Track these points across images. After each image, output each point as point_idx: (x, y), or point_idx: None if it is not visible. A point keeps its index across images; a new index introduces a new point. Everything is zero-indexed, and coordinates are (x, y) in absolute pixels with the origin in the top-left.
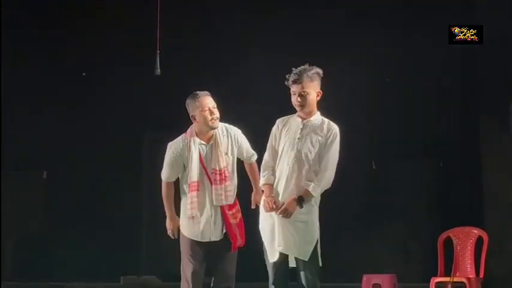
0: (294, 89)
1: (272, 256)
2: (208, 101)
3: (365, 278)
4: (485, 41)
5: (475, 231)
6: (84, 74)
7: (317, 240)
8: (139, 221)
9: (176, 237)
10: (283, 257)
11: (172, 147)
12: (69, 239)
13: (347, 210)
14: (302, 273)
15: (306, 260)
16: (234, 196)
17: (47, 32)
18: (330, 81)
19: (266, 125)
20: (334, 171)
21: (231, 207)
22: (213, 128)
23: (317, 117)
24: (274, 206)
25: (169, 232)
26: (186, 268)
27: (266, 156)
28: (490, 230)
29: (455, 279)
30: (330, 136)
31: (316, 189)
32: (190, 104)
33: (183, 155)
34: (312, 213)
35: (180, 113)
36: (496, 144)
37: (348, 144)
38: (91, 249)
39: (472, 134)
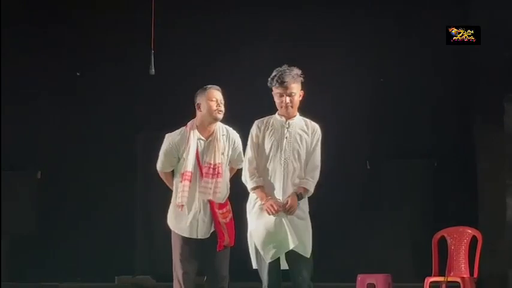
0: (281, 90)
1: (268, 256)
2: (217, 94)
3: (359, 277)
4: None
5: (469, 231)
6: (78, 73)
7: None
8: (133, 220)
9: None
10: (276, 259)
11: (170, 138)
12: (63, 239)
13: (341, 210)
14: (297, 272)
15: (308, 257)
16: (224, 196)
17: (41, 31)
18: (325, 81)
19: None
20: (319, 169)
21: (221, 206)
22: (215, 120)
23: (298, 116)
24: (278, 208)
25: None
26: (178, 268)
27: (250, 158)
28: (484, 230)
29: (450, 279)
30: (315, 134)
31: (312, 186)
32: (199, 93)
33: (179, 147)
34: (307, 211)
35: (174, 113)
36: (490, 144)
37: (342, 144)
38: (85, 249)
39: (467, 133)
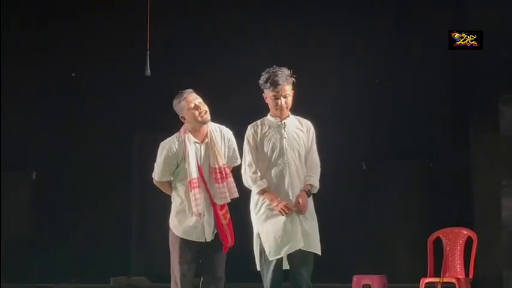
0: (275, 93)
1: (276, 254)
2: (192, 98)
3: (355, 278)
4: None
5: (465, 232)
6: (73, 74)
7: None
8: (129, 222)
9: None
10: (280, 260)
11: (166, 146)
12: (58, 240)
13: (337, 210)
14: (297, 272)
15: (319, 254)
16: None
17: (36, 33)
18: (322, 82)
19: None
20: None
21: (221, 207)
22: (204, 123)
23: (291, 116)
24: (291, 208)
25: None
26: (176, 270)
27: (249, 162)
28: (480, 231)
29: (445, 280)
30: (310, 131)
31: (316, 181)
32: (176, 106)
33: (178, 154)
34: (313, 208)
35: (170, 114)
36: (485, 145)
37: (338, 145)
38: (80, 250)
39: (462, 134)
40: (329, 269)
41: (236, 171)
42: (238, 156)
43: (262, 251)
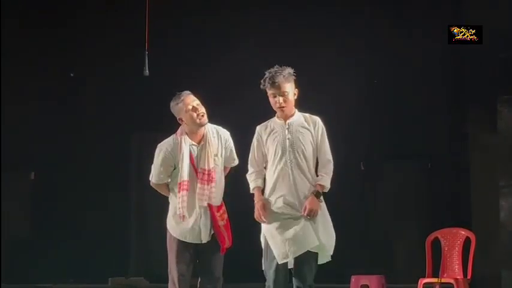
0: (273, 91)
1: (284, 258)
2: (190, 100)
3: (353, 278)
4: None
5: (463, 232)
6: (71, 74)
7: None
8: (127, 222)
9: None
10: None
11: (163, 148)
12: (56, 240)
13: (335, 210)
14: (300, 271)
15: (331, 254)
16: (221, 197)
17: (35, 32)
18: (321, 82)
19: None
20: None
21: (218, 208)
22: (202, 125)
23: (297, 114)
24: (262, 212)
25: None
26: (173, 271)
27: (250, 160)
28: (478, 231)
29: (443, 280)
30: (318, 128)
31: (327, 181)
32: (173, 108)
33: (175, 156)
34: (324, 208)
35: (168, 114)
36: (483, 146)
37: (337, 145)
38: (79, 251)
39: (460, 135)
40: (327, 269)
41: (233, 172)
42: (236, 157)
43: (265, 251)
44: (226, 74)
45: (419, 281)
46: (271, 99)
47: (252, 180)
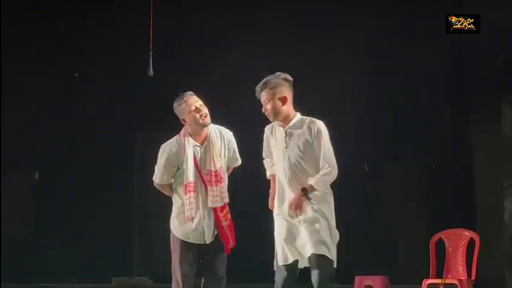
0: (260, 99)
1: (283, 260)
2: (193, 101)
3: (357, 279)
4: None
5: (467, 233)
6: (76, 74)
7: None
8: (131, 222)
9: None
10: (295, 260)
11: (167, 149)
12: (60, 240)
13: (339, 211)
14: (313, 274)
15: (328, 256)
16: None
17: (39, 32)
18: (324, 83)
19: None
20: (335, 162)
21: (222, 208)
22: (205, 126)
23: (296, 119)
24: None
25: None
26: (177, 271)
27: (267, 153)
28: (482, 232)
29: (447, 281)
30: (314, 133)
31: (318, 182)
32: (176, 109)
33: (178, 156)
34: (325, 210)
35: (171, 114)
36: (487, 146)
37: (341, 146)
38: (82, 250)
39: (464, 136)
40: None
41: (236, 172)
42: (239, 157)
43: (275, 252)
44: (229, 74)
45: (423, 282)
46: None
47: (269, 167)
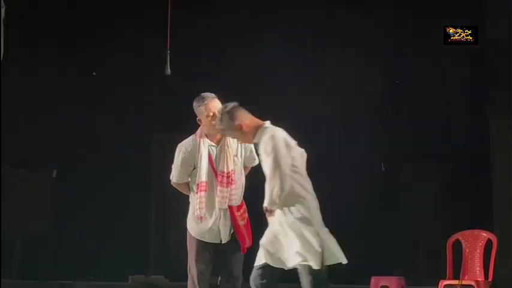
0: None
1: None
2: (212, 106)
3: (373, 279)
4: (489, 41)
5: (484, 234)
6: (94, 73)
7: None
8: (148, 220)
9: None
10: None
11: (183, 148)
12: (77, 238)
13: (356, 211)
14: (303, 282)
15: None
16: (241, 197)
17: (57, 31)
18: (341, 83)
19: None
20: (275, 179)
21: (239, 207)
22: (219, 132)
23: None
24: None
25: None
26: (193, 269)
27: None
28: (500, 233)
29: (464, 282)
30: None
31: (266, 201)
32: (196, 108)
33: (194, 155)
34: (284, 223)
35: (189, 114)
36: (505, 147)
37: (357, 146)
38: (99, 249)
39: (482, 136)
40: (347, 269)
41: (254, 171)
42: (256, 157)
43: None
44: (249, 74)
45: (440, 283)
46: None
47: None
